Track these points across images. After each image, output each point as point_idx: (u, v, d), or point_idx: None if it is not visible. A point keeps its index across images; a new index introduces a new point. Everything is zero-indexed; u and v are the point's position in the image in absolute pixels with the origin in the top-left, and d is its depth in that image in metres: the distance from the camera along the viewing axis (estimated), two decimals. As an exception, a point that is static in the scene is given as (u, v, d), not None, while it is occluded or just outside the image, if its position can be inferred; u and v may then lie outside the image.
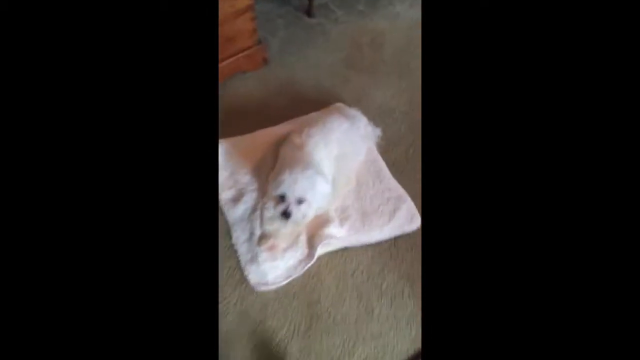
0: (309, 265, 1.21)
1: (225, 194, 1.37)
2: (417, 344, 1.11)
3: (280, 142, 1.43)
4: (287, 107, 1.67)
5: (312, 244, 1.23)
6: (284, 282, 1.19)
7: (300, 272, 1.21)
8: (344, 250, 1.27)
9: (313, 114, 1.62)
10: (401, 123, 1.64)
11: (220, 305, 1.16)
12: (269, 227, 1.21)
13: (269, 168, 1.37)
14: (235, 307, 1.16)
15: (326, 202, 1.21)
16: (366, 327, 1.13)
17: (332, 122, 1.36)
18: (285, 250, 1.22)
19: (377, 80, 1.81)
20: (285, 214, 1.11)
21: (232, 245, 1.27)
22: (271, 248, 1.20)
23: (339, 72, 1.83)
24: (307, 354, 1.09)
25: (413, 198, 1.37)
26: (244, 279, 1.20)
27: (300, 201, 1.12)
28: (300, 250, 1.23)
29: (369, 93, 1.75)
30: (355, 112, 1.53)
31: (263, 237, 1.24)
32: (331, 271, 1.23)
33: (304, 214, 1.13)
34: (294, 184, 1.11)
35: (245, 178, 1.41)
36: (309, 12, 2.07)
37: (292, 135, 1.35)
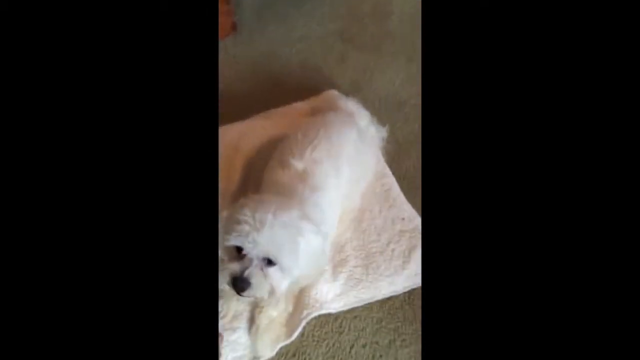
0: (285, 343, 0.82)
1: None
2: None
3: (249, 149, 1.01)
4: (262, 92, 1.24)
5: (291, 315, 0.82)
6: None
7: (271, 353, 0.81)
8: (337, 311, 0.88)
9: (297, 105, 1.19)
10: (414, 121, 1.24)
11: None
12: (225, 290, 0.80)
13: (225, 189, 0.94)
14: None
15: (316, 264, 0.78)
16: None
17: (340, 136, 0.91)
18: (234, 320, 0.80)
19: (382, 61, 1.39)
20: (237, 285, 0.67)
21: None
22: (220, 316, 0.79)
23: (332, 48, 1.40)
24: None
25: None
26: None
27: (269, 262, 0.70)
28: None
29: (372, 78, 1.34)
30: (354, 106, 1.11)
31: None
32: (319, 345, 0.84)
33: (273, 286, 0.70)
34: (259, 232, 0.67)
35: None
36: (294, -33, 1.60)
37: (287, 155, 0.87)
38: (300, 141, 0.88)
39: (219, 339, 0.77)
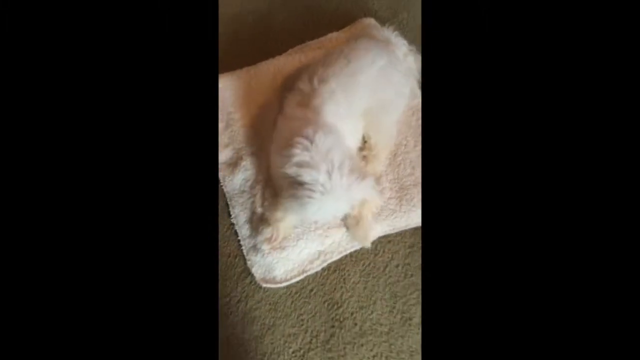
0: (330, 259, 0.94)
1: (220, 156, 1.05)
2: None
3: (287, 83, 1.04)
4: (296, 23, 1.22)
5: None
6: (297, 279, 0.94)
7: (318, 267, 0.94)
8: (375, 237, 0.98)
9: (333, 35, 1.18)
10: (455, 48, 1.19)
11: (220, 304, 0.94)
12: (269, 213, 0.91)
13: (274, 122, 1.01)
14: (238, 307, 0.94)
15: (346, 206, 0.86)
16: (402, 339, 0.90)
17: (361, 59, 0.93)
18: (286, 240, 0.93)
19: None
20: None
21: (232, 225, 1.00)
22: (269, 239, 0.92)
23: (368, -31, 1.30)
24: (327, 371, 0.89)
25: (468, 161, 1.02)
26: (247, 270, 0.95)
27: None
28: (320, 239, 0.94)
29: (411, 1, 1.26)
30: (389, 34, 1.08)
31: (262, 222, 0.94)
32: (357, 264, 0.96)
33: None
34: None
35: (245, 134, 1.06)
36: None
37: (298, 79, 0.94)
38: (316, 58, 0.92)
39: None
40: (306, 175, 0.80)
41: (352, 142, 0.94)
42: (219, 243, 0.98)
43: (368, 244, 0.94)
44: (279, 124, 0.95)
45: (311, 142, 0.82)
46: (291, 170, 0.82)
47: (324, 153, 0.81)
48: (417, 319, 0.92)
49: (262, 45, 1.19)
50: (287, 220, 0.92)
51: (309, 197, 0.80)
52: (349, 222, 0.93)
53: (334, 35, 1.20)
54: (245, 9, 1.26)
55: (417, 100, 1.07)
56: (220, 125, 1.08)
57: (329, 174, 0.79)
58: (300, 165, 0.81)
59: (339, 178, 0.79)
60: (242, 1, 1.27)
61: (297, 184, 0.82)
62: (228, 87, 1.10)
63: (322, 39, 1.19)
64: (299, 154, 0.81)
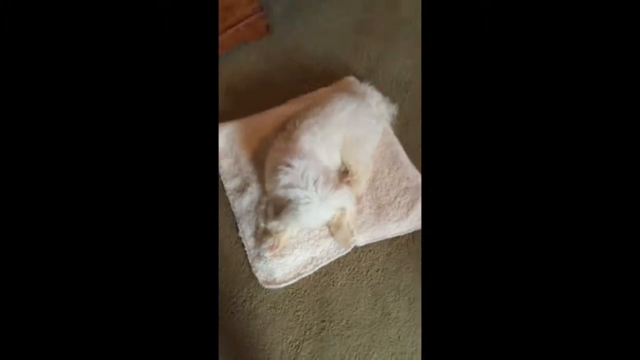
0: (321, 264, 1.14)
1: (230, 183, 1.28)
2: (436, 347, 1.05)
3: (281, 126, 1.31)
4: (294, 82, 1.52)
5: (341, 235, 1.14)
6: (293, 281, 1.12)
7: (310, 270, 1.13)
8: (358, 246, 1.18)
9: (321, 91, 1.47)
10: (420, 98, 1.48)
11: (228, 304, 1.11)
12: (271, 226, 1.12)
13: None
14: (243, 306, 1.11)
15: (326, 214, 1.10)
16: (382, 331, 1.07)
17: (334, 104, 1.22)
18: (285, 249, 1.13)
19: (395, 47, 1.62)
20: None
21: (239, 239, 1.20)
22: (271, 247, 1.12)
23: (349, 39, 1.64)
24: (319, 358, 1.04)
25: (433, 185, 1.25)
26: (252, 276, 1.14)
27: None
28: (312, 248, 1.15)
29: (384, 63, 1.58)
30: (366, 88, 1.37)
31: (264, 234, 1.15)
32: (343, 269, 1.15)
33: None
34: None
35: (251, 166, 1.30)
36: (316, -32, 1.83)
37: (288, 122, 1.21)
38: (307, 106, 1.20)
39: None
40: (291, 194, 1.04)
41: (330, 163, 1.18)
42: (228, 255, 1.18)
43: (349, 247, 1.14)
44: (269, 156, 1.19)
45: (291, 167, 1.06)
46: (280, 192, 1.06)
47: (301, 174, 1.05)
48: (395, 313, 1.09)
49: (265, 97, 1.47)
50: (285, 232, 1.13)
51: (297, 210, 1.02)
52: (332, 229, 1.14)
53: (322, 90, 1.49)
54: (252, 69, 1.58)
55: (390, 137, 1.34)
56: (230, 160, 1.33)
57: (308, 189, 1.02)
58: (285, 187, 1.05)
59: (315, 190, 1.02)
60: (248, 64, 1.58)
61: (287, 202, 1.05)
62: (237, 130, 1.37)
63: (313, 93, 1.48)
64: (283, 178, 1.05)
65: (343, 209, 1.10)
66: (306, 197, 1.02)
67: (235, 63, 1.57)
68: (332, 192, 1.04)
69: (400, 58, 1.58)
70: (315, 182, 1.04)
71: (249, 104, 1.45)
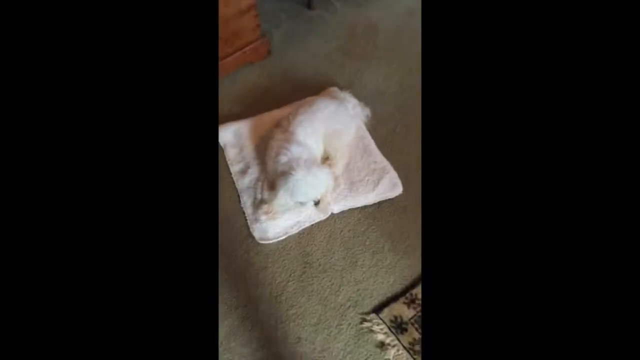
0: (304, 225, 1.45)
1: (235, 167, 1.62)
2: (394, 289, 1.33)
3: (277, 123, 1.66)
4: (289, 92, 1.88)
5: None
6: (282, 238, 1.43)
7: (296, 230, 1.44)
8: (334, 213, 1.49)
9: (309, 98, 1.83)
10: (390, 103, 1.83)
11: (232, 255, 1.41)
12: (267, 197, 1.45)
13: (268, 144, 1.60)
14: (242, 257, 1.41)
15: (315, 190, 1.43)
16: (350, 274, 1.36)
17: (319, 104, 1.57)
18: (278, 213, 1.45)
19: (370, 65, 1.99)
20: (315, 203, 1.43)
21: (241, 208, 1.52)
22: (266, 212, 1.44)
23: (335, 60, 2.02)
24: (300, 294, 1.33)
25: (396, 169, 1.57)
26: (250, 235, 1.45)
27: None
28: (297, 214, 1.46)
29: (362, 77, 1.94)
30: (345, 95, 1.73)
31: (261, 203, 1.48)
32: (322, 230, 1.46)
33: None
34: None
35: (252, 153, 1.65)
36: (309, 5, 2.25)
37: (282, 120, 1.57)
38: (297, 109, 1.56)
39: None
40: (287, 168, 1.37)
41: (316, 151, 1.51)
42: (232, 220, 1.49)
43: (327, 214, 1.45)
44: (270, 144, 1.53)
45: (289, 151, 1.40)
46: (279, 168, 1.40)
47: (296, 157, 1.39)
48: (361, 262, 1.38)
49: (264, 104, 1.83)
50: (278, 200, 1.45)
51: (290, 177, 1.35)
52: (316, 205, 1.45)
53: (311, 98, 1.85)
54: (255, 83, 1.95)
55: (363, 132, 1.68)
56: (236, 150, 1.67)
57: (299, 165, 1.36)
58: (283, 165, 1.39)
59: (305, 167, 1.36)
60: (252, 79, 1.96)
61: (284, 173, 1.38)
62: (241, 127, 1.72)
63: (304, 99, 1.84)
64: (282, 159, 1.39)
65: (325, 189, 1.43)
66: (296, 169, 1.35)
67: (242, 78, 1.95)
68: (316, 169, 1.37)
69: (374, 73, 1.95)
70: (305, 161, 1.38)
71: (252, 109, 1.81)
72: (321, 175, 1.38)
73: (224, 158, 1.65)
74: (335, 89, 1.84)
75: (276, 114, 1.75)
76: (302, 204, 1.43)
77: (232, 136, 1.70)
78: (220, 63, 1.85)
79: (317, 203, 1.43)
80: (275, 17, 2.23)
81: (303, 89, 1.89)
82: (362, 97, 1.79)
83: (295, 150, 1.41)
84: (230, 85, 1.91)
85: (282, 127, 1.55)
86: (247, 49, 1.91)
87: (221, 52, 1.82)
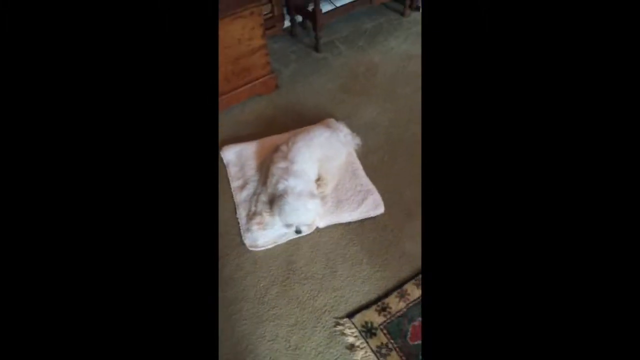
0: (291, 237, 1.59)
1: (235, 183, 1.80)
2: (368, 298, 1.43)
3: (276, 148, 1.86)
4: (290, 121, 2.10)
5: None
6: (271, 246, 1.57)
7: (283, 240, 1.59)
8: (319, 228, 1.63)
9: (307, 127, 2.04)
10: (381, 135, 2.01)
11: (223, 260, 1.55)
12: (260, 210, 1.62)
13: (268, 167, 1.79)
14: (233, 261, 1.55)
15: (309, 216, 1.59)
16: (329, 282, 1.47)
17: (315, 132, 1.77)
18: (269, 225, 1.61)
19: (366, 101, 2.21)
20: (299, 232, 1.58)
21: (236, 219, 1.68)
22: (258, 223, 1.60)
23: (335, 96, 2.25)
24: (282, 297, 1.44)
25: (381, 192, 1.72)
26: (242, 242, 1.60)
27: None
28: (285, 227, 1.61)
29: (358, 112, 2.15)
30: (339, 125, 1.93)
31: (254, 214, 1.64)
32: (308, 241, 1.60)
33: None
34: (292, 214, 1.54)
35: (251, 172, 1.84)
36: (316, 48, 2.54)
37: (282, 145, 1.76)
38: (296, 135, 1.74)
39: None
40: (283, 195, 1.54)
41: (312, 174, 1.69)
42: (228, 229, 1.65)
43: (312, 229, 1.59)
44: (271, 169, 1.71)
45: (288, 181, 1.58)
46: (277, 193, 1.57)
47: (292, 187, 1.57)
48: (340, 272, 1.50)
49: (269, 129, 2.05)
50: (270, 215, 1.61)
51: (284, 200, 1.52)
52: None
53: (311, 126, 2.06)
54: (261, 112, 2.18)
55: (353, 159, 1.85)
56: (237, 168, 1.86)
57: (293, 194, 1.54)
58: (280, 191, 1.56)
59: (297, 196, 1.53)
60: (260, 108, 2.19)
61: (279, 200, 1.55)
62: (245, 149, 1.93)
63: (304, 127, 2.05)
64: (281, 187, 1.57)
65: (312, 220, 1.59)
66: (291, 200, 1.53)
67: (250, 107, 2.19)
68: (306, 199, 1.54)
69: (370, 108, 2.16)
70: (299, 193, 1.55)
71: (255, 134, 2.03)
72: (310, 206, 1.55)
73: (226, 174, 1.84)
74: (332, 119, 2.05)
75: (276, 139, 1.96)
76: (287, 226, 1.58)
77: (235, 156, 1.90)
78: (232, 93, 2.10)
79: (298, 232, 1.57)
80: (286, 57, 2.52)
81: (303, 119, 2.10)
82: (357, 128, 1.99)
83: (292, 182, 1.60)
84: (239, 113, 2.15)
85: (282, 152, 1.73)
86: (257, 82, 2.17)
87: (233, 84, 2.07)
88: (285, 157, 1.68)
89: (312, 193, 1.60)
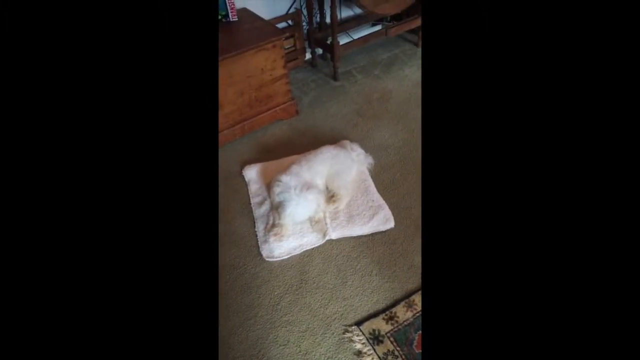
0: (305, 249, 1.68)
1: (255, 199, 1.94)
2: (376, 307, 1.48)
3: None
4: (308, 143, 2.24)
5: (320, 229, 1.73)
6: (285, 257, 1.67)
7: (298, 252, 1.68)
8: (332, 240, 1.72)
9: (326, 147, 2.17)
10: (393, 156, 2.11)
11: (241, 270, 1.66)
12: (275, 221, 1.73)
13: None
14: (250, 270, 1.65)
15: (309, 211, 1.72)
16: (340, 291, 1.54)
17: (322, 150, 1.92)
18: (285, 236, 1.71)
19: (380, 125, 2.33)
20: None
21: (255, 232, 1.79)
22: (276, 234, 1.71)
23: (351, 119, 2.39)
24: (294, 305, 1.52)
25: (391, 208, 1.80)
26: (259, 254, 1.70)
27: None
28: (300, 238, 1.71)
29: (372, 134, 2.27)
30: (353, 145, 2.05)
31: (272, 227, 1.75)
32: (320, 253, 1.68)
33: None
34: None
35: (268, 189, 1.97)
36: (335, 77, 2.72)
37: (292, 163, 1.91)
38: (303, 157, 1.90)
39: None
40: (281, 197, 1.68)
41: (312, 182, 1.80)
42: (246, 241, 1.76)
43: (324, 240, 1.68)
44: (271, 183, 1.85)
45: (280, 181, 1.72)
46: (276, 198, 1.71)
47: (287, 184, 1.71)
48: (351, 282, 1.56)
49: (287, 151, 2.19)
50: (287, 226, 1.72)
51: (286, 204, 1.64)
52: (313, 224, 1.71)
53: (326, 147, 2.19)
54: (282, 135, 2.34)
55: (365, 176, 1.95)
56: (257, 185, 2.00)
57: (290, 192, 1.66)
58: (278, 194, 1.71)
59: (294, 192, 1.65)
60: (280, 132, 2.35)
61: (280, 203, 1.68)
62: (264, 169, 2.07)
63: (320, 148, 2.18)
64: (277, 190, 1.72)
65: (319, 210, 1.69)
66: (289, 197, 1.65)
67: (272, 131, 2.36)
68: (305, 190, 1.66)
69: (382, 131, 2.28)
70: (295, 187, 1.68)
71: (275, 154, 2.18)
72: (310, 196, 1.66)
73: (248, 191, 1.98)
74: (346, 141, 2.17)
75: (292, 158, 2.09)
76: (302, 222, 1.69)
77: (255, 175, 2.05)
78: (255, 119, 2.28)
79: (313, 224, 1.68)
80: (306, 86, 2.71)
81: (320, 141, 2.24)
82: (371, 149, 2.10)
83: (285, 179, 1.73)
84: (262, 136, 2.32)
85: (288, 168, 1.87)
86: (278, 108, 2.34)
87: (256, 109, 2.26)
88: (283, 172, 1.82)
89: (309, 185, 1.73)
